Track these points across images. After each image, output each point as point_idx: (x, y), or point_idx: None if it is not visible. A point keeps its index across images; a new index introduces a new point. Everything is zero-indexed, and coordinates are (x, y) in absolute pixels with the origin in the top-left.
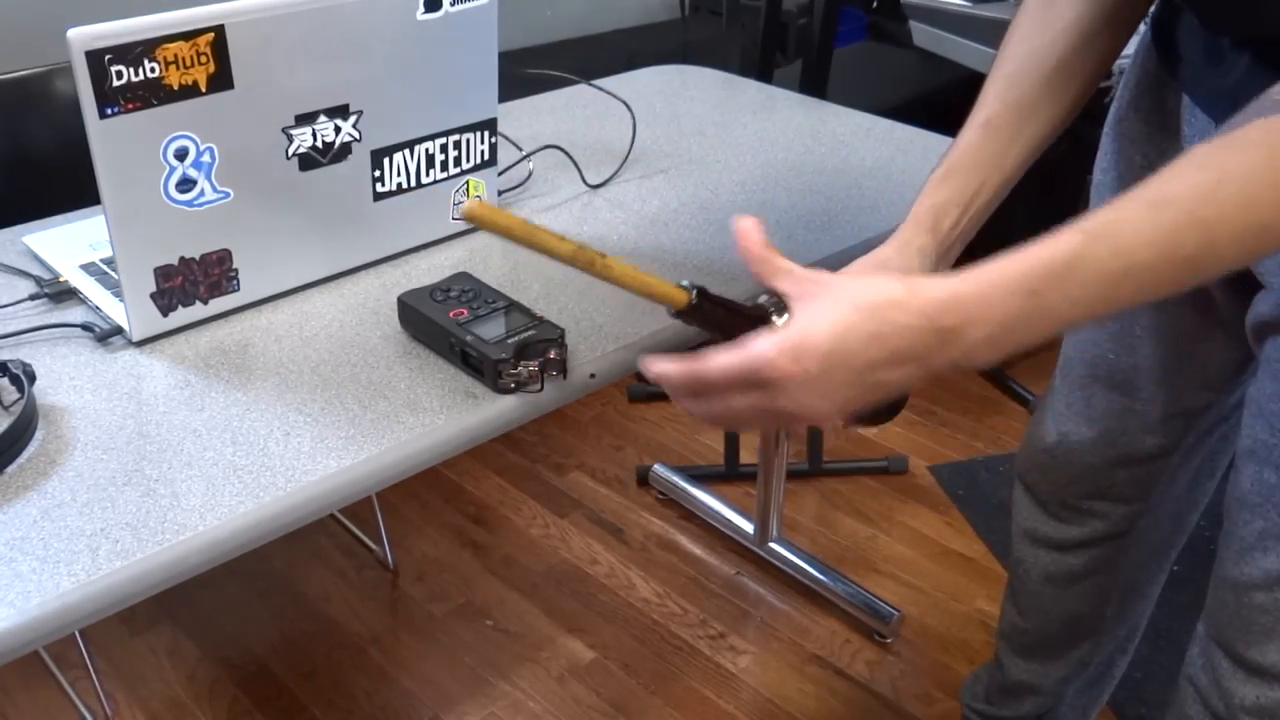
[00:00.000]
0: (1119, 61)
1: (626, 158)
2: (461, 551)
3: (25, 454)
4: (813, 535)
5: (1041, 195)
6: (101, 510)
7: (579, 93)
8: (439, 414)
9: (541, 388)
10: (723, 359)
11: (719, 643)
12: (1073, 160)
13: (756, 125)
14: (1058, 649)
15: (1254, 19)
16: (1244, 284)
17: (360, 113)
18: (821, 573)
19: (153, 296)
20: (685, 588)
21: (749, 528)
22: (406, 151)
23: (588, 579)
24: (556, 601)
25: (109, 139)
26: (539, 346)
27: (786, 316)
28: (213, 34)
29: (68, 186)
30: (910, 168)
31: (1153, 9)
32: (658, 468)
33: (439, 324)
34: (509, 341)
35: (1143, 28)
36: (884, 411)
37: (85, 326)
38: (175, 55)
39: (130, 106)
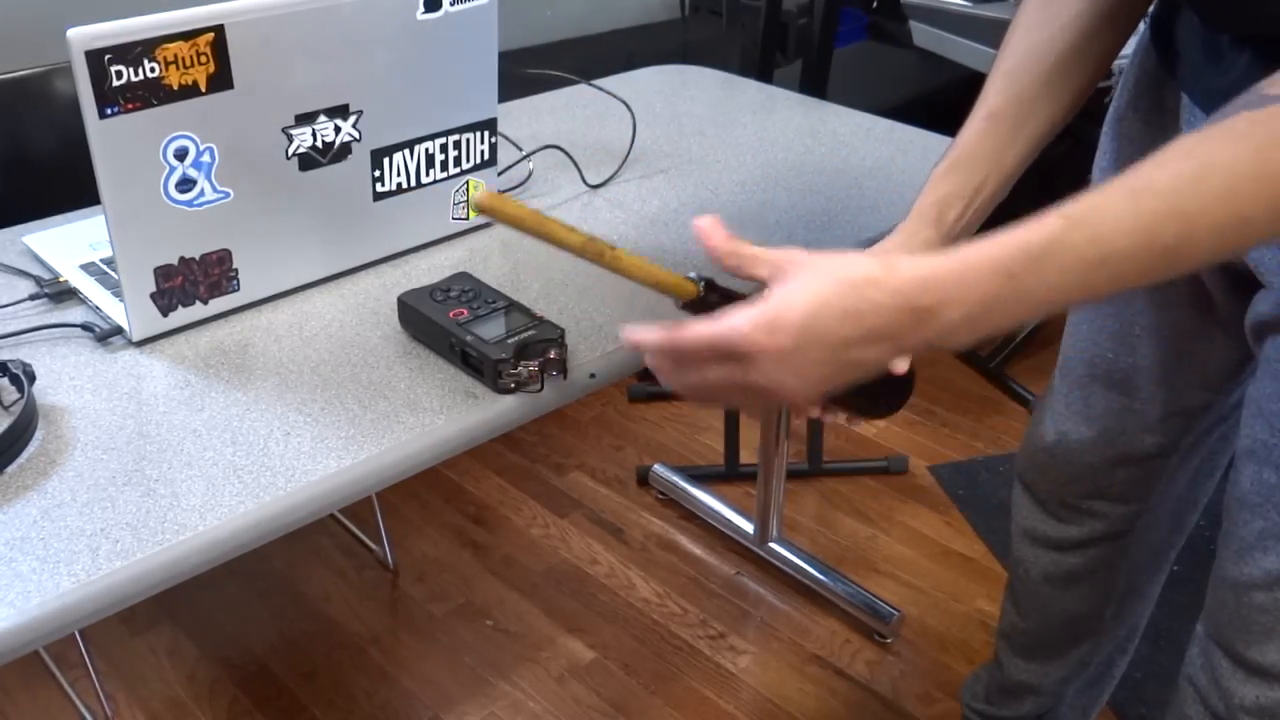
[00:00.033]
0: (1118, 61)
1: (626, 158)
2: (461, 551)
3: (25, 454)
4: (813, 535)
5: (1041, 195)
6: (101, 510)
7: (579, 93)
8: (439, 414)
9: (541, 388)
10: (698, 329)
11: (719, 643)
12: (1073, 160)
13: (756, 125)
14: (1057, 649)
15: (1254, 16)
16: (1243, 283)
17: (360, 113)
18: (821, 573)
19: (153, 296)
20: (685, 588)
21: (749, 528)
22: (406, 151)
23: (588, 579)
24: (556, 601)
25: (109, 139)
26: (539, 346)
27: None
28: (213, 34)
29: (68, 186)
30: (910, 168)
31: (1152, 7)
32: (658, 468)
33: (439, 324)
34: (509, 341)
35: (1142, 26)
36: (887, 404)
37: (85, 326)
38: (175, 55)
39: (130, 106)
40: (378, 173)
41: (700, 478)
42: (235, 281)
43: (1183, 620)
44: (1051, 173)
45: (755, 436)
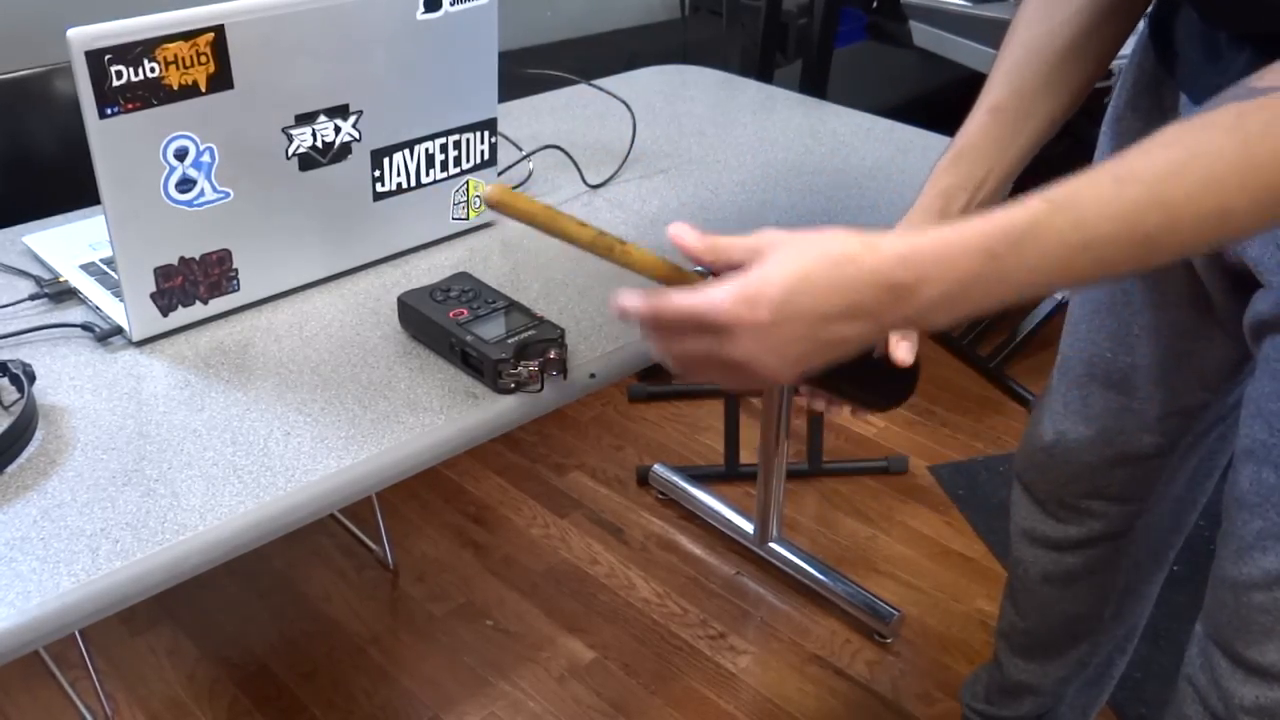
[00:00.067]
0: (1116, 61)
1: (626, 158)
2: (461, 551)
3: (25, 454)
4: (813, 535)
5: None
6: (101, 510)
7: (579, 93)
8: (439, 414)
9: (541, 388)
10: (678, 299)
11: (719, 643)
12: (1072, 160)
13: (756, 125)
14: (1056, 649)
15: (1253, 12)
16: (1242, 283)
17: (360, 113)
18: (821, 573)
19: (153, 296)
20: (685, 588)
21: (749, 528)
22: (406, 151)
23: (588, 579)
24: (556, 601)
25: (109, 139)
26: (539, 346)
27: None
28: (213, 34)
29: (68, 186)
30: (910, 168)
31: (1151, 6)
32: (658, 468)
33: (439, 324)
34: (509, 341)
35: (1141, 25)
36: (892, 397)
37: (85, 326)
38: (175, 55)
39: (130, 106)
40: (378, 173)
41: (700, 478)
42: (235, 281)
43: (1182, 620)
44: (1051, 173)
45: (755, 436)
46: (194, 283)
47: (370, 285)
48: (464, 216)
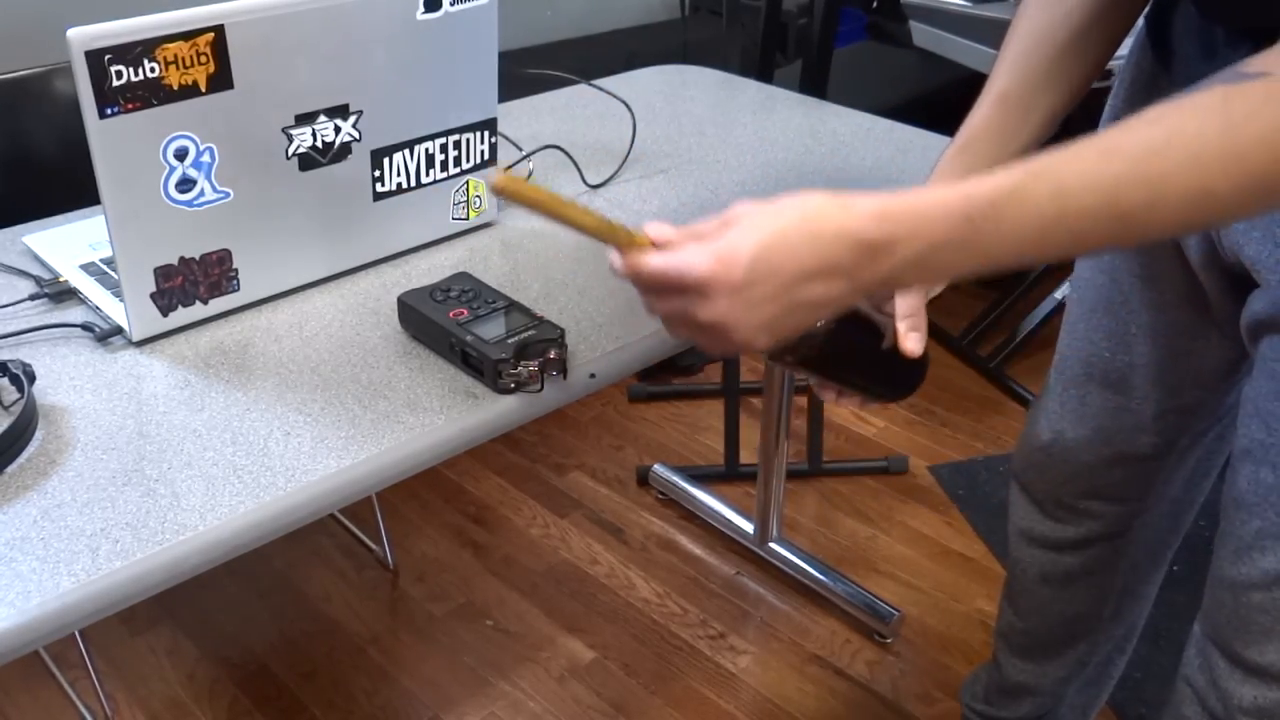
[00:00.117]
0: (1114, 61)
1: (626, 158)
2: (461, 551)
3: (25, 454)
4: (813, 535)
5: None
6: (101, 510)
7: (579, 93)
8: (439, 414)
9: (541, 388)
10: (655, 260)
11: (719, 643)
12: None
13: (756, 125)
14: (1055, 649)
15: (1253, 7)
16: (1240, 283)
17: (360, 113)
18: (821, 573)
19: (153, 296)
20: (685, 588)
21: (749, 528)
22: (406, 151)
23: (588, 579)
24: (556, 601)
25: (109, 139)
26: (539, 346)
27: None
28: (213, 34)
29: (68, 186)
30: (910, 168)
31: (1150, 4)
32: (658, 468)
33: (439, 324)
34: (509, 341)
35: (1139, 23)
36: (901, 388)
37: (85, 326)
38: (175, 55)
39: (130, 106)
40: (378, 173)
41: (700, 478)
42: (235, 281)
43: (1182, 620)
44: None
45: (755, 436)
46: (194, 283)
47: (370, 285)
48: (464, 216)
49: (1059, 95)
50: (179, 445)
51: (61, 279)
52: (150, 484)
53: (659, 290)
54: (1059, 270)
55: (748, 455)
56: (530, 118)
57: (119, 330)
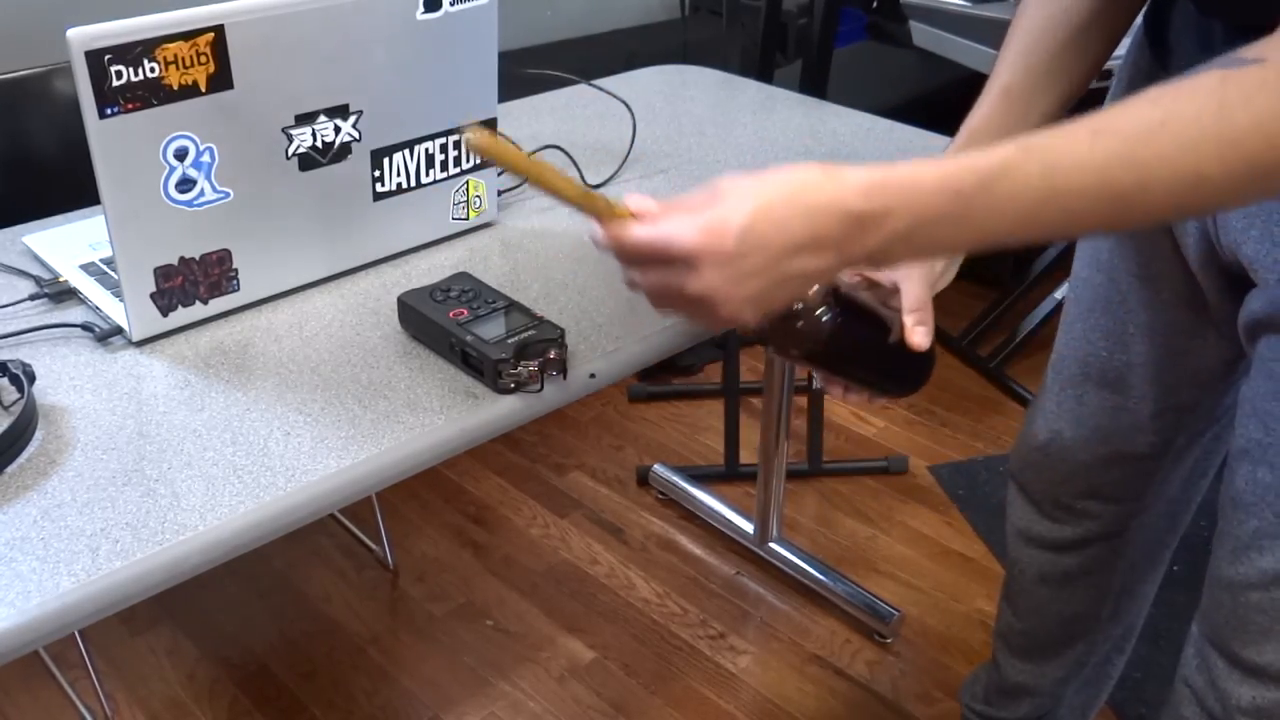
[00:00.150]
0: (1112, 62)
1: (626, 158)
2: (461, 551)
3: (25, 454)
4: (813, 535)
5: None
6: (101, 510)
7: (579, 93)
8: (439, 414)
9: (541, 388)
10: (641, 231)
11: (719, 643)
12: None
13: (756, 125)
14: (1053, 649)
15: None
16: (1237, 282)
17: (360, 113)
18: (821, 573)
19: (153, 296)
20: (685, 588)
21: (749, 528)
22: (406, 151)
23: (588, 579)
24: (556, 601)
25: (109, 139)
26: (539, 346)
27: (816, 287)
28: (213, 34)
29: (68, 186)
30: None
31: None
32: (658, 468)
33: (439, 324)
34: (509, 341)
35: (1138, 22)
36: (908, 383)
37: (85, 326)
38: (175, 55)
39: (130, 106)
40: (378, 173)
41: (700, 478)
42: (235, 281)
43: (1182, 620)
44: None
45: (755, 436)
46: (194, 283)
47: (370, 285)
48: (464, 216)
49: (1061, 91)
50: (179, 445)
51: (61, 279)
52: (150, 484)
53: (643, 262)
54: (1059, 270)
55: (748, 455)
56: (530, 118)
57: (119, 330)
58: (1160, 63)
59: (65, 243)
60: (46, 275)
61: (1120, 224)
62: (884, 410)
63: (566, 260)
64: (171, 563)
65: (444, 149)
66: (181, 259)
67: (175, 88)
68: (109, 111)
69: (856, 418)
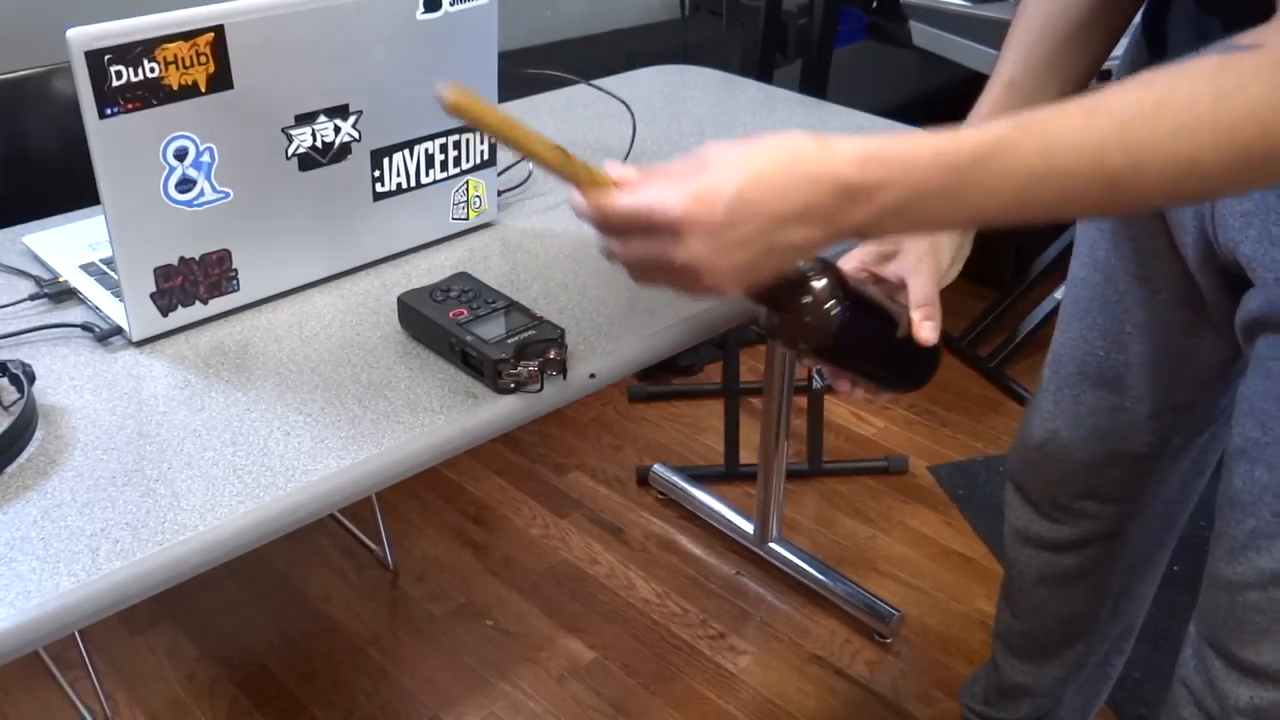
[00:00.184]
0: (1110, 62)
1: (626, 158)
2: (461, 551)
3: (25, 454)
4: (813, 535)
5: None
6: (101, 510)
7: (579, 93)
8: (439, 414)
9: (541, 388)
10: (626, 199)
11: (719, 643)
12: None
13: (756, 125)
14: (1052, 650)
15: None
16: (1235, 281)
17: (360, 113)
18: (821, 573)
19: (152, 296)
20: (685, 588)
21: (749, 528)
22: (406, 151)
23: (588, 579)
24: (556, 601)
25: (109, 139)
26: (539, 346)
27: (825, 281)
28: (212, 34)
29: (68, 186)
30: None
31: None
32: (658, 468)
33: (439, 324)
34: (509, 341)
35: (1136, 21)
36: (914, 377)
37: (85, 326)
38: (175, 55)
39: (130, 107)
40: (377, 173)
41: (700, 478)
42: (235, 281)
43: (1182, 620)
44: None
45: (755, 436)
46: (194, 283)
47: (370, 285)
48: (464, 216)
49: (1065, 82)
50: (179, 445)
51: (61, 279)
52: (150, 484)
53: (626, 231)
54: (1059, 270)
55: (748, 455)
56: (530, 118)
57: (119, 330)
58: (1158, 61)
59: (65, 243)
60: (46, 275)
61: (1114, 207)
62: (884, 410)
63: (566, 260)
64: (171, 563)
65: (444, 149)
66: (181, 259)
67: (175, 88)
68: (109, 111)
69: (856, 418)
